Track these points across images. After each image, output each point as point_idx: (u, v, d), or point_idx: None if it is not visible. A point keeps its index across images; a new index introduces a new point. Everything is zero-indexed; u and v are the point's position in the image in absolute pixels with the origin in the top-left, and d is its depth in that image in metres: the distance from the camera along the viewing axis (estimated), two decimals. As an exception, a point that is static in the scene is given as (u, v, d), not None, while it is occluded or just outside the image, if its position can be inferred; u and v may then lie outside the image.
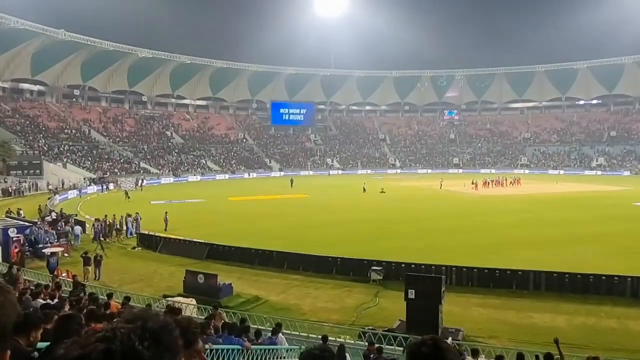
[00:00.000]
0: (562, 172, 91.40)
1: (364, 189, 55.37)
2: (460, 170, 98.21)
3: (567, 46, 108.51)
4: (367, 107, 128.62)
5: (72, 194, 54.42)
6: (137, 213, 31.15)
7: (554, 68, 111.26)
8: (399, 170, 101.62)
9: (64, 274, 18.58)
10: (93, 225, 29.27)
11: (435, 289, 14.58)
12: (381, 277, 19.53)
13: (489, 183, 61.64)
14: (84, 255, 20.88)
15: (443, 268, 18.97)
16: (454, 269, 19.37)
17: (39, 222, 27.46)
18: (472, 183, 60.40)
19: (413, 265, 19.40)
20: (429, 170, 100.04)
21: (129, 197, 49.42)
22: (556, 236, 28.29)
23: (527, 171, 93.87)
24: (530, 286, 18.66)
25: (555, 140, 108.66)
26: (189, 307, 15.52)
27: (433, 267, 19.16)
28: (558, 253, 23.86)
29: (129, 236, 29.44)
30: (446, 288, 15.70)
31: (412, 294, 14.59)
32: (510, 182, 64.10)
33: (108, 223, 29.41)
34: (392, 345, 12.94)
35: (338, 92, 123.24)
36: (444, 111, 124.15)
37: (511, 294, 18.29)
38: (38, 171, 61.85)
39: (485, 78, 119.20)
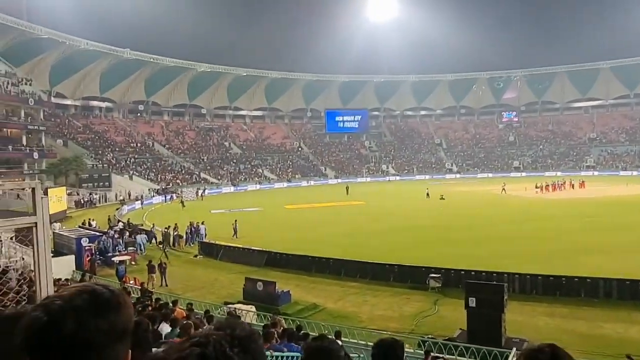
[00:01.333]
0: (634, 173, 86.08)
1: (427, 195, 54.82)
2: (523, 174, 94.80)
3: (635, 40, 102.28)
4: (422, 112, 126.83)
5: (139, 204, 56.95)
6: (203, 222, 32.29)
7: (620, 64, 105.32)
8: (457, 175, 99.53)
9: (131, 282, 19.46)
10: (162, 233, 30.63)
11: (497, 297, 14.11)
12: (440, 285, 19.16)
13: (551, 187, 59.07)
14: (148, 263, 21.78)
15: (505, 275, 18.35)
16: (517, 276, 18.66)
17: (108, 232, 28.88)
18: (536, 187, 58.19)
19: (473, 273, 18.90)
20: (489, 175, 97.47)
21: (184, 206, 51.98)
22: (628, 241, 26.65)
23: (595, 173, 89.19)
24: (600, 294, 17.68)
25: (624, 139, 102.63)
26: (249, 314, 15.82)
27: (494, 274, 18.56)
28: (630, 259, 22.47)
29: (194, 243, 30.38)
30: (509, 296, 15.17)
31: (472, 302, 14.17)
32: (572, 185, 61.00)
33: (167, 232, 30.60)
34: (453, 355, 12.63)
35: (392, 97, 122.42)
36: (502, 113, 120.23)
37: (579, 303, 17.39)
38: (107, 183, 65.21)
39: (546, 77, 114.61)
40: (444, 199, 51.71)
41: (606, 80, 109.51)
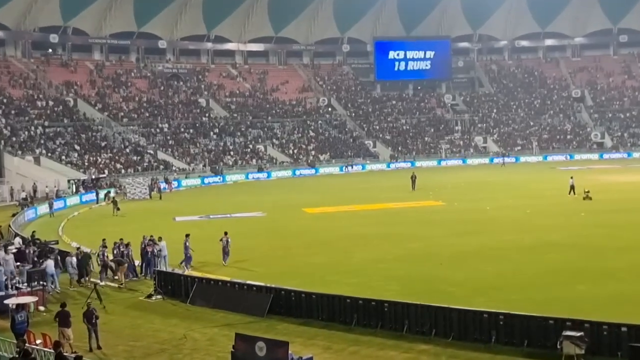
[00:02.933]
0: None
1: (571, 189, 54.41)
2: None
3: None
4: (548, 42, 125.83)
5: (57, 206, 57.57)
6: (188, 235, 32.63)
7: None
8: (612, 155, 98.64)
9: (38, 341, 19.58)
10: (77, 255, 30.88)
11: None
12: (582, 351, 18.83)
13: None
14: (60, 310, 21.76)
15: None
16: None
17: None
18: None
19: (644, 330, 18.50)
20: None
21: (118, 209, 53.49)
22: None
23: None
24: None
25: None
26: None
27: (683, 332, 18.14)
28: None
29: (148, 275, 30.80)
30: None
31: (643, 382, 13.92)
32: None
33: (86, 253, 31.00)
34: None
35: (493, 17, 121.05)
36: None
37: None
38: (-3, 170, 66.22)
39: None
40: (590, 197, 51.20)
41: None
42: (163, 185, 70.18)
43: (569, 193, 54.20)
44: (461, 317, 21.45)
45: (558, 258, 31.23)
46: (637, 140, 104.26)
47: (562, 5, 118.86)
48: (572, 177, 56.86)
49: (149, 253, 31.41)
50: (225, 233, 33.44)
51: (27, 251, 31.53)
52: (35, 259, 30.55)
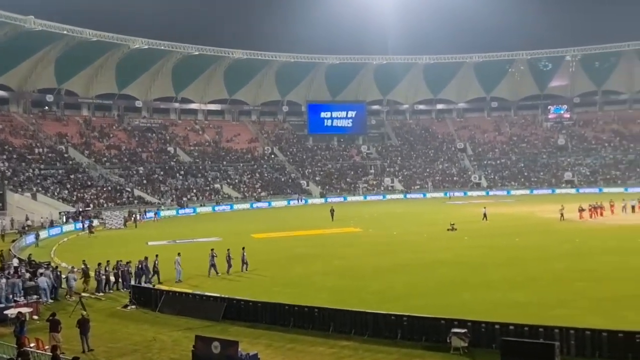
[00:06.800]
0: None
1: (484, 216, 56.22)
2: (579, 190, 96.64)
3: None
4: (439, 106, 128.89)
5: (46, 233, 56.19)
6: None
7: None
8: (487, 192, 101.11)
9: (32, 344, 18.84)
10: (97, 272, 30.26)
11: (547, 360, 14.02)
12: (466, 344, 19.06)
13: (628, 207, 59.52)
14: (51, 317, 21.02)
15: (556, 331, 18.23)
16: (572, 332, 18.54)
17: (1, 273, 28.25)
18: (592, 207, 58.19)
19: (512, 327, 18.80)
20: (532, 191, 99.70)
21: (92, 233, 54.36)
22: None
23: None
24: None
25: None
26: (200, 388, 15.49)
27: (541, 329, 18.47)
28: None
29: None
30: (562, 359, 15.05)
31: (513, 368, 14.09)
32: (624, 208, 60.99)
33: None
34: None
35: (398, 86, 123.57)
36: (549, 107, 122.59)
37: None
38: (0, 204, 64.34)
39: (608, 58, 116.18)
40: (455, 229, 49.77)
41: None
42: (150, 214, 70.94)
43: (482, 219, 55.18)
44: (374, 319, 21.55)
45: (448, 272, 31.62)
46: (504, 181, 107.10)
47: (449, 79, 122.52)
48: (485, 207, 57.80)
49: (125, 271, 30.90)
50: (243, 248, 34.50)
51: (22, 270, 30.50)
52: (29, 276, 29.58)
